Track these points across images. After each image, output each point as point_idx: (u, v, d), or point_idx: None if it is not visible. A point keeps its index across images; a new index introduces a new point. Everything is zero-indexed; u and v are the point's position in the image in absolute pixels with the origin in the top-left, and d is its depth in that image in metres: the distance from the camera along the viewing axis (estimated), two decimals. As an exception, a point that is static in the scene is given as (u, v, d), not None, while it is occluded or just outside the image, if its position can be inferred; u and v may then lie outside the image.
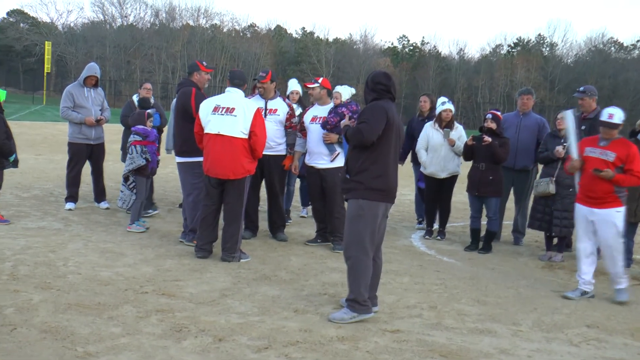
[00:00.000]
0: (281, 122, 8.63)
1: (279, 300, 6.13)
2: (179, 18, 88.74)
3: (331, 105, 8.50)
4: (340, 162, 8.17)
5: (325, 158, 8.36)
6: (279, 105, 8.66)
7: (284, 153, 8.69)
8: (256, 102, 8.39)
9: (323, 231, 8.72)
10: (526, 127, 9.33)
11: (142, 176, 8.93)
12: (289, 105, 8.81)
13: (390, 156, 5.70)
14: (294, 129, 8.72)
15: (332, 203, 8.41)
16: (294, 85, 10.60)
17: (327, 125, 8.29)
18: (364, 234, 5.63)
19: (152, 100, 10.31)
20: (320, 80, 8.70)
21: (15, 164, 8.82)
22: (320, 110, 8.53)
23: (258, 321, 5.50)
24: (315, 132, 8.44)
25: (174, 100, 8.62)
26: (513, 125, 9.38)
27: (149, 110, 9.21)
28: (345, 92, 8.45)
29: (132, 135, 8.95)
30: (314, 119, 8.49)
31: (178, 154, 8.29)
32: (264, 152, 8.01)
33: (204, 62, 8.46)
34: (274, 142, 8.53)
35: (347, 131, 5.84)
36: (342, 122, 7.47)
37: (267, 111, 8.50)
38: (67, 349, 4.64)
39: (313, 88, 8.66)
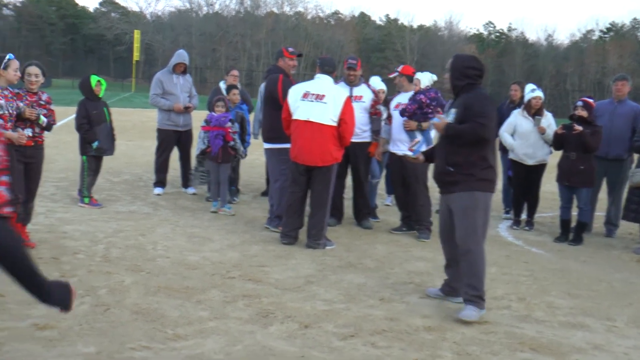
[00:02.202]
0: (366, 109, 8.58)
1: (365, 288, 6.10)
2: (263, 6, 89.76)
3: (411, 93, 8.41)
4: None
5: (406, 145, 8.22)
6: (364, 92, 8.61)
7: (369, 140, 8.63)
8: (342, 90, 8.39)
9: (407, 219, 8.63)
10: (621, 115, 8.99)
11: (210, 160, 9.23)
12: (374, 92, 8.75)
13: (493, 145, 5.59)
14: (379, 115, 8.65)
15: (414, 191, 8.33)
16: (378, 84, 10.41)
17: (405, 112, 8.22)
18: (479, 225, 5.43)
19: (238, 87, 10.42)
20: (399, 68, 8.73)
21: (99, 151, 8.92)
22: (404, 97, 8.49)
23: (344, 309, 5.48)
24: (397, 119, 8.42)
25: (262, 85, 8.68)
26: (607, 113, 9.06)
27: (219, 96, 9.48)
28: (424, 78, 8.33)
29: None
30: (397, 106, 8.44)
31: (266, 140, 8.32)
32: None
33: (289, 49, 8.46)
34: (359, 129, 8.47)
35: (450, 130, 5.44)
36: (433, 120, 6.53)
37: (353, 98, 8.45)
38: (157, 331, 4.74)
39: (394, 78, 8.72)
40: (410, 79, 8.55)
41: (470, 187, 5.39)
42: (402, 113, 8.26)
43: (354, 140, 8.27)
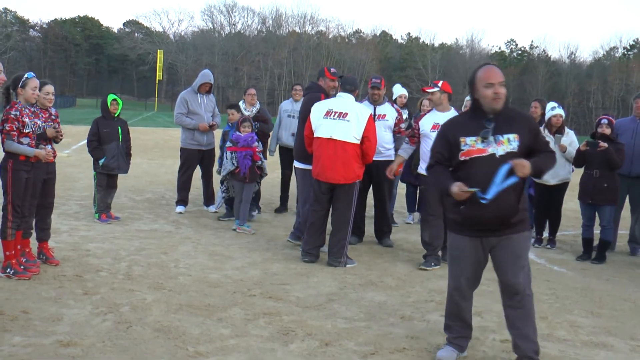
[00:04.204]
0: (390, 128, 8.60)
1: (385, 306, 6.09)
2: (285, 25, 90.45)
3: (452, 112, 7.69)
4: None
5: None
6: (388, 111, 8.63)
7: (392, 158, 8.59)
8: (365, 108, 8.41)
9: (437, 251, 7.84)
10: (643, 133, 8.94)
11: (237, 180, 9.25)
12: (397, 111, 8.76)
13: None
14: (402, 134, 8.64)
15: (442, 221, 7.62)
16: (399, 90, 10.56)
17: None
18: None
19: (257, 106, 10.50)
20: (440, 84, 7.95)
21: (106, 168, 9.12)
22: (442, 118, 7.45)
23: (364, 327, 5.48)
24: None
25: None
26: (629, 131, 9.01)
27: (244, 117, 9.54)
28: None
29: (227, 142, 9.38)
30: (435, 127, 7.57)
31: (298, 160, 8.28)
32: (373, 158, 8.03)
33: (331, 69, 8.44)
34: (383, 148, 8.48)
35: (537, 169, 4.50)
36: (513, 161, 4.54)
37: (377, 117, 8.47)
38: (179, 348, 4.76)
39: (433, 93, 7.89)
40: (450, 97, 8.01)
41: (528, 225, 4.71)
42: None
43: (377, 158, 8.27)
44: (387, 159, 8.55)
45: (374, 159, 7.95)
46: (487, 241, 4.62)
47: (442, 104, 7.88)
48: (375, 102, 8.60)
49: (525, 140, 4.47)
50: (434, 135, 7.26)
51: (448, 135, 4.63)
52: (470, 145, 4.49)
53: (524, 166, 4.34)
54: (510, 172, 4.33)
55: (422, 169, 7.91)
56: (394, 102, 9.52)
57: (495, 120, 4.46)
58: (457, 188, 4.37)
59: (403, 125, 8.70)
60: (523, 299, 4.62)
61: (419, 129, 7.91)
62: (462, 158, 4.53)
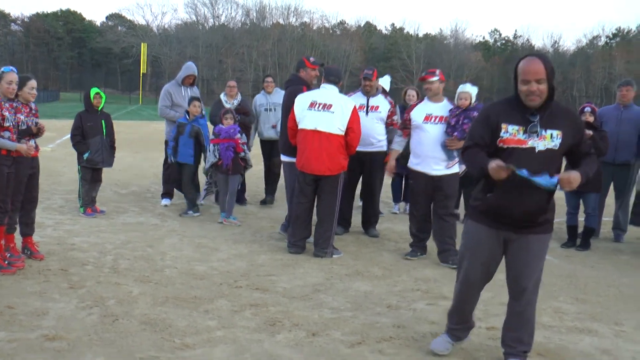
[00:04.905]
0: (382, 120, 8.57)
1: (372, 296, 6.11)
2: (269, 17, 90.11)
3: (445, 103, 7.53)
4: (455, 168, 7.46)
5: (441, 164, 7.37)
6: (381, 103, 8.59)
7: (385, 150, 8.59)
8: (358, 99, 8.43)
9: (423, 242, 7.82)
10: (627, 120, 9.00)
11: (220, 173, 9.24)
12: (391, 103, 8.72)
13: None
14: (395, 126, 8.62)
15: (444, 209, 7.52)
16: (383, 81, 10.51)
17: (454, 130, 7.28)
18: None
19: (239, 98, 10.47)
20: (438, 73, 7.58)
21: (90, 162, 9.07)
22: (435, 108, 7.47)
23: (351, 316, 5.49)
24: (432, 133, 7.40)
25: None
26: (613, 119, 9.06)
27: (226, 109, 9.54)
28: (474, 92, 7.54)
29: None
30: (428, 118, 7.43)
31: (284, 153, 8.22)
32: (365, 149, 8.12)
33: (311, 59, 8.37)
34: (375, 139, 8.49)
35: (585, 179, 4.24)
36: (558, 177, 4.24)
37: (369, 108, 8.46)
38: (165, 340, 4.76)
39: (432, 82, 7.49)
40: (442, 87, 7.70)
41: (551, 227, 4.49)
42: (452, 131, 7.32)
43: (369, 149, 8.32)
44: (380, 150, 8.56)
45: (366, 150, 7.99)
46: (506, 235, 4.44)
47: (438, 94, 7.56)
48: (367, 94, 8.58)
49: (568, 140, 4.23)
50: (426, 127, 7.34)
51: (491, 118, 4.32)
52: (512, 134, 4.23)
53: (571, 182, 4.12)
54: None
55: (411, 162, 7.64)
56: (387, 94, 9.39)
57: (541, 114, 4.20)
58: (496, 164, 4.07)
59: (395, 118, 8.67)
60: (526, 305, 4.52)
61: (410, 119, 7.61)
62: (500, 145, 4.27)
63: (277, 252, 7.63)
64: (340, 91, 7.77)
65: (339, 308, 5.71)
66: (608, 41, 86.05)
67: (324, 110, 7.39)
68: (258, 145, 10.79)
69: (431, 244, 7.73)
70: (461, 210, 9.27)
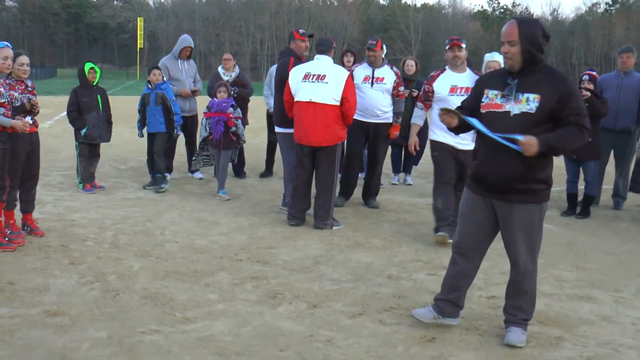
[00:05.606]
0: (388, 91, 8.49)
1: (372, 267, 6.12)
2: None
3: (469, 73, 7.09)
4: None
5: (467, 138, 6.84)
6: (386, 74, 8.52)
7: (390, 121, 8.57)
8: (364, 71, 8.42)
9: (450, 220, 6.94)
10: (628, 87, 8.96)
11: (212, 147, 9.20)
12: (397, 74, 8.64)
13: None
14: (401, 97, 8.59)
15: (463, 183, 7.30)
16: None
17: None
18: (539, 243, 4.53)
19: (237, 71, 10.41)
20: (463, 42, 7.10)
21: (88, 137, 9.00)
22: (460, 79, 7.00)
23: (352, 288, 5.51)
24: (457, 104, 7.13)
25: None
26: (613, 86, 9.02)
27: (220, 82, 9.48)
28: (502, 61, 7.22)
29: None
30: (454, 90, 6.95)
31: (278, 125, 8.22)
32: (370, 120, 8.23)
33: (299, 30, 8.34)
34: (380, 111, 8.45)
35: (545, 147, 4.08)
36: (518, 138, 4.13)
37: (375, 79, 8.41)
38: (166, 314, 4.77)
39: (460, 49, 7.04)
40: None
41: (542, 197, 4.36)
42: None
43: (375, 120, 8.35)
44: (385, 122, 8.54)
45: (371, 121, 8.02)
46: (493, 203, 4.41)
47: (462, 65, 7.10)
48: (372, 65, 8.51)
49: (548, 104, 4.11)
50: (452, 99, 6.78)
51: (479, 85, 4.50)
52: (490, 98, 4.30)
53: (526, 147, 4.05)
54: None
55: (435, 135, 7.11)
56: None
57: (520, 78, 4.20)
58: (439, 110, 4.14)
59: (401, 89, 8.60)
60: (521, 274, 4.48)
61: (433, 91, 7.10)
62: (482, 110, 4.34)
63: (277, 225, 7.63)
64: (335, 62, 7.73)
65: (340, 279, 5.72)
66: (608, 8, 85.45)
67: (318, 81, 7.35)
68: (264, 117, 10.74)
69: (429, 215, 7.70)
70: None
